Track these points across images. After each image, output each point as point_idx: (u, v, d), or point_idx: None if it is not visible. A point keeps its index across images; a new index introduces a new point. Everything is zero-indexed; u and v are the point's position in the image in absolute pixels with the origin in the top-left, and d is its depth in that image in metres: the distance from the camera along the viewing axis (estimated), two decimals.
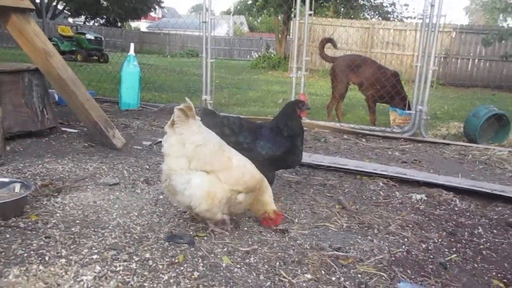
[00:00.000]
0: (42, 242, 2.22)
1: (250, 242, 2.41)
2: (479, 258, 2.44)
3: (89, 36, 19.89)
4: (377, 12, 26.64)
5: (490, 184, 3.80)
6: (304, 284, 2.01)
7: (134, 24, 47.28)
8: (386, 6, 26.60)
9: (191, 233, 2.46)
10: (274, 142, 2.94)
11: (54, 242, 2.23)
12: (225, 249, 2.30)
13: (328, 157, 4.41)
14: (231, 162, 2.40)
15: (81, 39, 19.56)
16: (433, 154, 5.13)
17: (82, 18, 36.03)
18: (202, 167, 2.30)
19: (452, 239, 2.66)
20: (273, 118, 3.21)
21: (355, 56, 7.00)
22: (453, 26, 17.22)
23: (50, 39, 17.42)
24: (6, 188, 2.71)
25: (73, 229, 2.40)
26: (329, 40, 7.17)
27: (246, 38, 40.28)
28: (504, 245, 2.62)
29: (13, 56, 10.44)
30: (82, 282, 1.88)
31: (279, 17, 23.76)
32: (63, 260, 2.05)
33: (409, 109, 6.25)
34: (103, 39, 21.10)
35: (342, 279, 2.08)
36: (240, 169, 2.41)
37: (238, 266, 2.14)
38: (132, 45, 7.05)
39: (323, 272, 2.14)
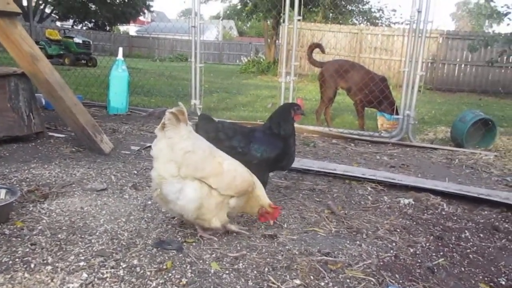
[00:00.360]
0: (27, 249, 2.19)
1: (239, 248, 2.40)
2: (466, 262, 2.46)
3: (77, 40, 19.74)
4: (365, 18, 26.88)
5: (477, 188, 3.84)
6: None
7: (123, 28, 47.04)
8: (374, 12, 26.88)
9: (179, 239, 2.44)
10: (269, 144, 2.99)
11: (40, 249, 2.20)
12: (213, 255, 2.28)
13: (317, 162, 4.42)
14: (221, 167, 2.39)
15: (69, 43, 19.40)
16: (421, 159, 5.18)
17: (70, 21, 35.75)
18: (192, 174, 2.29)
19: (440, 243, 2.68)
20: (267, 119, 3.24)
21: (343, 61, 7.05)
22: (440, 32, 17.45)
23: (37, 42, 17.21)
24: None
25: (59, 235, 2.37)
26: (318, 46, 7.21)
27: (236, 43, 40.36)
28: (490, 249, 2.65)
29: None
30: None
31: (268, 22, 23.86)
32: (49, 267, 2.02)
33: (397, 114, 6.30)
34: (91, 43, 20.97)
35: (331, 284, 2.09)
36: (231, 173, 2.40)
37: (227, 272, 2.13)
38: (120, 49, 7.02)
39: (312, 277, 2.13)
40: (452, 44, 17.87)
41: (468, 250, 2.61)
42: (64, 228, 2.47)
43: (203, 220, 2.38)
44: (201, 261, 2.21)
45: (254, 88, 12.32)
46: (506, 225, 3.07)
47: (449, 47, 17.89)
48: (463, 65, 18.02)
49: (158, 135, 2.30)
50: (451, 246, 2.66)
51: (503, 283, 2.25)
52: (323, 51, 7.16)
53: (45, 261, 2.08)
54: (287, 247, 2.44)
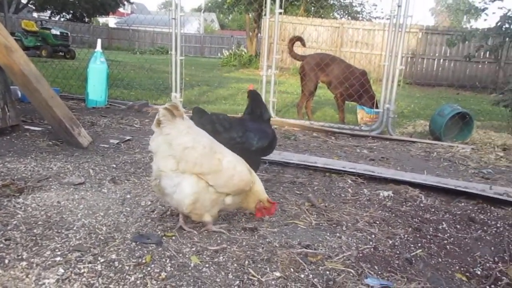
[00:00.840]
0: (1, 245, 2.13)
1: (219, 241, 2.39)
2: (443, 252, 2.51)
3: (55, 31, 19.31)
4: (346, 12, 27.03)
5: (454, 181, 3.91)
6: (273, 282, 2.01)
7: (102, 19, 46.23)
8: (355, 6, 27.05)
9: (158, 233, 2.42)
10: (262, 131, 3.11)
11: (15, 245, 2.14)
12: (193, 249, 2.27)
13: (298, 155, 4.43)
14: (221, 164, 2.38)
15: (46, 35, 18.97)
16: (400, 152, 5.24)
17: (48, 12, 34.93)
18: (191, 169, 2.28)
19: (418, 235, 2.72)
20: (247, 108, 3.30)
21: (324, 54, 7.06)
22: (420, 27, 17.67)
23: (13, 34, 16.81)
24: None
25: (35, 230, 2.32)
26: (298, 39, 7.21)
27: (217, 36, 40.11)
28: (467, 240, 2.70)
29: None
30: (44, 286, 1.82)
31: (250, 15, 23.77)
32: (24, 263, 1.98)
33: (377, 107, 6.37)
34: (69, 34, 20.53)
35: (311, 276, 2.09)
36: (229, 172, 2.39)
37: (207, 265, 2.12)
38: (99, 41, 6.89)
39: (292, 269, 2.14)
40: (431, 39, 18.13)
41: (445, 241, 2.66)
42: (40, 223, 2.42)
43: (196, 214, 2.38)
44: (180, 254, 2.19)
45: (236, 81, 12.27)
46: (482, 217, 3.13)
47: (428, 42, 18.15)
48: (441, 60, 18.32)
49: (155, 131, 2.30)
50: (429, 237, 2.70)
51: (479, 272, 2.30)
52: (303, 45, 7.16)
53: (20, 257, 2.03)
54: (267, 240, 2.44)
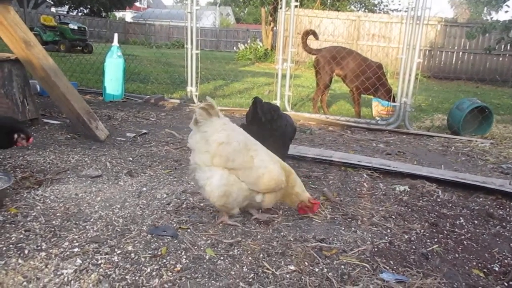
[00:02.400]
0: (21, 236, 2.18)
1: (234, 234, 2.40)
2: (460, 248, 2.47)
3: (73, 26, 19.51)
4: (363, 4, 26.70)
5: (472, 176, 3.85)
6: (287, 276, 2.01)
7: (119, 14, 46.57)
8: None
9: (174, 225, 2.44)
10: (290, 121, 3.33)
11: (34, 235, 2.19)
12: (208, 241, 2.28)
13: (313, 149, 4.42)
14: (252, 162, 2.42)
15: (64, 29, 19.18)
16: (417, 146, 5.18)
17: (66, 7, 35.32)
18: (224, 164, 2.36)
19: (434, 230, 2.69)
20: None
21: (340, 48, 6.98)
22: (438, 19, 17.35)
23: (32, 29, 17.02)
24: None
25: (53, 222, 2.37)
26: (311, 32, 7.14)
27: (233, 30, 40.04)
28: (484, 236, 2.66)
29: None
30: (62, 276, 1.86)
31: (266, 8, 23.65)
32: (43, 254, 2.02)
33: (394, 101, 6.30)
34: (87, 29, 20.73)
35: (325, 270, 2.09)
36: (260, 170, 2.42)
37: (222, 258, 2.13)
38: (115, 35, 6.95)
39: (306, 263, 2.14)
40: (450, 32, 17.79)
41: (463, 237, 2.62)
42: (58, 214, 2.47)
43: (226, 207, 2.44)
44: (195, 247, 2.21)
45: (251, 75, 12.26)
46: (501, 212, 3.08)
47: (447, 34, 17.81)
48: (461, 53, 17.97)
49: (193, 129, 2.40)
50: (446, 232, 2.67)
51: (497, 269, 2.26)
52: (316, 38, 7.10)
53: (39, 247, 2.08)
54: (282, 234, 2.44)
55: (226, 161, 2.35)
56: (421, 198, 3.27)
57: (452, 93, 12.06)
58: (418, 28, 5.80)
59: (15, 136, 2.90)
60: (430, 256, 2.33)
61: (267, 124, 3.04)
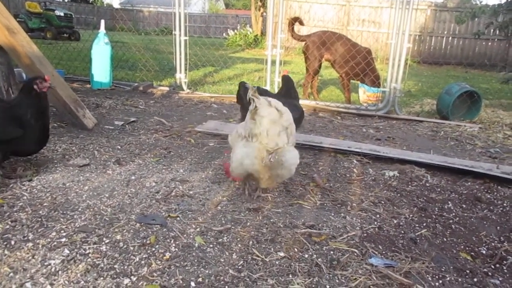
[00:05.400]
0: (7, 226, 2.15)
1: (223, 222, 2.39)
2: (448, 232, 2.49)
3: (59, 12, 19.12)
4: None
5: (461, 160, 3.88)
6: (277, 262, 2.01)
7: (106, 0, 45.78)
8: None
9: (163, 214, 2.43)
10: (293, 105, 3.43)
11: (21, 226, 2.17)
12: (198, 229, 2.28)
13: (303, 135, 4.41)
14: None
15: (50, 16, 18.79)
16: (407, 131, 5.20)
17: None
18: (293, 141, 2.61)
19: (423, 215, 2.71)
20: (280, 90, 4.10)
21: (330, 33, 6.93)
22: (428, 4, 17.32)
23: (17, 16, 16.62)
24: None
25: (40, 212, 2.34)
26: (296, 19, 7.07)
27: (222, 15, 39.60)
28: (472, 219, 2.69)
29: None
30: (49, 266, 1.84)
31: None
32: (30, 244, 2.00)
33: (379, 86, 6.33)
34: (73, 16, 20.34)
35: (315, 256, 2.10)
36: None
37: (211, 245, 2.13)
38: (102, 22, 6.82)
39: (296, 249, 2.14)
40: (440, 16, 17.77)
41: (451, 221, 2.65)
42: (45, 204, 2.44)
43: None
44: (185, 235, 2.20)
45: (241, 61, 12.15)
46: (488, 196, 3.11)
47: (437, 19, 17.80)
48: (450, 38, 18.00)
49: (255, 118, 2.44)
50: (434, 217, 2.69)
51: (484, 252, 2.29)
52: (302, 23, 7.04)
53: (25, 238, 2.05)
54: (271, 220, 2.44)
55: (294, 138, 2.63)
56: (410, 183, 3.29)
57: (441, 78, 12.10)
58: (408, 13, 5.77)
59: (35, 87, 2.79)
60: (418, 241, 2.35)
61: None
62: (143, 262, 1.93)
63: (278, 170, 2.53)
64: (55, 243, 2.03)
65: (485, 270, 2.10)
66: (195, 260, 1.98)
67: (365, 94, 6.75)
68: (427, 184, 3.28)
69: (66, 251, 1.96)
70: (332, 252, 2.14)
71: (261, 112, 2.43)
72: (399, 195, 3.02)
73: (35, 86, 2.79)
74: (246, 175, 2.64)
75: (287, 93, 3.91)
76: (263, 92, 3.33)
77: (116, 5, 42.50)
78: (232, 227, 2.33)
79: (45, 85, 2.82)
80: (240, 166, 2.54)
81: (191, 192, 2.78)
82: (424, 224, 2.57)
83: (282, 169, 2.53)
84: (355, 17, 17.72)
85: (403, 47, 5.87)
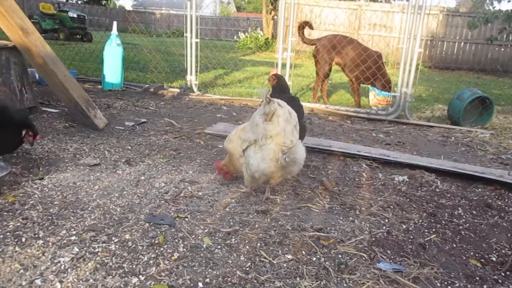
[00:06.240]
0: (18, 224, 2.18)
1: (232, 223, 2.40)
2: (458, 238, 2.47)
3: (72, 14, 19.33)
4: None
5: (472, 166, 3.84)
6: (284, 265, 2.01)
7: (118, 2, 46.17)
8: None
9: (172, 214, 2.44)
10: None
11: (32, 224, 2.19)
12: (206, 230, 2.28)
13: (312, 139, 4.40)
14: None
15: (63, 17, 19.01)
16: (417, 136, 5.16)
17: None
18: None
19: (432, 220, 2.69)
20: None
21: (340, 37, 6.92)
22: (440, 9, 17.22)
23: (31, 17, 16.84)
24: None
25: (51, 210, 2.36)
26: (306, 23, 7.07)
27: (233, 18, 39.73)
28: (482, 226, 2.66)
29: None
30: (59, 264, 1.86)
31: None
32: (40, 242, 2.02)
33: (389, 91, 6.31)
34: (86, 17, 20.56)
35: (323, 259, 2.09)
36: None
37: (219, 247, 2.13)
38: (114, 23, 6.88)
39: (303, 252, 2.14)
40: (452, 21, 17.65)
41: (461, 227, 2.62)
42: (56, 202, 2.46)
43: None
44: (193, 236, 2.21)
45: (251, 64, 12.18)
46: (499, 202, 3.08)
47: (449, 24, 17.68)
48: (462, 43, 17.86)
49: (273, 120, 2.49)
50: (444, 222, 2.67)
51: (494, 259, 2.26)
52: (311, 28, 7.05)
53: (36, 236, 2.08)
54: (280, 223, 2.44)
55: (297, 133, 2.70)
56: (419, 188, 3.27)
57: (453, 83, 12.01)
58: (420, 17, 5.75)
59: (23, 132, 2.89)
60: (427, 246, 2.33)
61: None
62: (151, 261, 1.95)
63: (291, 167, 2.60)
64: (65, 241, 2.05)
65: (495, 277, 2.08)
66: (203, 261, 1.98)
67: (375, 97, 6.73)
68: (437, 190, 3.26)
69: (76, 249, 1.98)
70: (340, 256, 2.14)
71: (278, 112, 2.48)
72: (408, 200, 3.00)
73: (23, 133, 2.89)
74: (262, 181, 2.67)
75: (283, 90, 3.92)
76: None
77: (128, 7, 42.87)
78: (240, 228, 2.33)
79: (29, 139, 2.91)
80: (256, 172, 2.58)
81: (200, 193, 2.79)
82: (434, 230, 2.55)
83: (294, 166, 2.61)
84: (366, 21, 17.67)
85: (415, 51, 5.84)
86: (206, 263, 1.97)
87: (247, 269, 1.95)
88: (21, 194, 2.54)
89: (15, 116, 2.90)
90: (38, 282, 1.73)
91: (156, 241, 2.12)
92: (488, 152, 4.57)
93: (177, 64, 10.25)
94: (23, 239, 2.03)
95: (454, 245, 2.39)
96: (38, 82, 6.10)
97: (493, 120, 6.02)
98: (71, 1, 33.09)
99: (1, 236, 2.04)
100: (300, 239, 2.26)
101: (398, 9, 17.17)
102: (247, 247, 2.15)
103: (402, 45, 5.96)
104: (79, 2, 34.68)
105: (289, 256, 2.08)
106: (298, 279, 1.91)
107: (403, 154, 4.11)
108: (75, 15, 19.36)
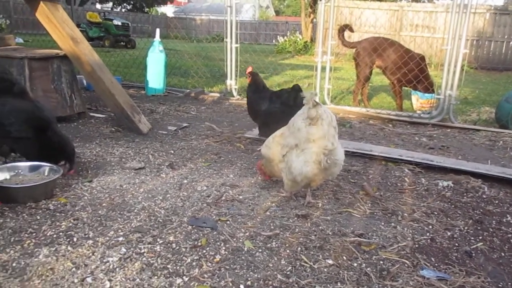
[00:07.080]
0: (70, 224, 2.29)
1: (272, 227, 2.42)
2: (506, 247, 2.39)
3: (116, 22, 20.08)
4: None
5: None
6: (325, 269, 2.01)
7: (160, 9, 47.43)
8: None
9: (213, 217, 2.49)
10: None
11: (82, 224, 2.30)
12: (247, 234, 2.32)
13: (353, 143, 4.36)
14: None
15: (108, 25, 19.78)
16: (462, 140, 5.00)
17: (110, 4, 36.35)
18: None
19: (479, 227, 2.61)
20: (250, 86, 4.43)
21: (381, 39, 6.81)
22: (487, 7, 16.59)
23: (78, 25, 17.55)
24: (37, 172, 2.80)
25: (100, 211, 2.47)
26: (346, 26, 7.00)
27: (272, 22, 39.89)
28: None
29: (43, 43, 10.67)
30: (108, 263, 1.94)
31: (305, 0, 23.41)
32: (90, 242, 2.12)
33: (433, 93, 6.15)
34: (130, 25, 21.29)
35: (364, 265, 2.08)
36: None
37: (260, 250, 2.16)
38: (157, 30, 7.09)
39: (344, 257, 2.13)
40: (499, 20, 16.96)
41: (510, 235, 2.53)
42: (104, 204, 2.58)
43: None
44: (234, 239, 2.25)
45: (290, 68, 12.20)
46: None
47: (497, 23, 17.00)
48: (511, 43, 17.10)
49: (319, 124, 2.51)
50: (491, 230, 2.58)
51: None
52: (351, 30, 6.97)
53: (86, 236, 2.18)
54: (320, 228, 2.44)
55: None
56: (465, 194, 3.17)
57: (501, 84, 11.51)
58: (465, 16, 5.57)
59: (63, 161, 2.93)
60: (474, 254, 2.26)
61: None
62: (194, 263, 2.00)
63: (332, 168, 2.64)
64: (113, 241, 2.14)
65: None
66: (244, 264, 2.02)
67: (418, 101, 6.58)
68: (484, 196, 3.15)
69: (123, 250, 2.06)
70: (381, 262, 2.11)
71: (322, 116, 2.51)
72: (453, 206, 2.92)
73: (66, 166, 2.94)
74: (304, 184, 2.68)
75: (258, 87, 4.31)
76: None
77: (170, 14, 43.93)
78: (281, 232, 2.35)
79: (65, 172, 2.92)
80: (299, 176, 2.59)
81: (240, 197, 2.83)
82: (480, 237, 2.47)
83: (335, 167, 2.65)
84: (408, 22, 17.28)
85: (459, 52, 5.65)
86: (247, 266, 2.00)
87: (288, 273, 1.97)
88: (72, 196, 2.67)
89: (65, 149, 2.97)
90: (89, 280, 1.81)
91: (199, 244, 2.17)
92: None
93: (217, 69, 10.42)
94: (75, 239, 2.14)
95: (503, 254, 2.30)
96: (86, 89, 6.37)
97: None
98: (116, 10, 34.32)
99: (55, 235, 2.16)
100: (341, 244, 2.25)
101: (442, 9, 16.68)
102: (288, 251, 2.17)
103: (446, 46, 5.80)
104: (123, 10, 35.90)
105: (330, 261, 2.08)
106: (339, 284, 1.90)
107: (448, 159, 4.00)
108: (119, 23, 20.09)
